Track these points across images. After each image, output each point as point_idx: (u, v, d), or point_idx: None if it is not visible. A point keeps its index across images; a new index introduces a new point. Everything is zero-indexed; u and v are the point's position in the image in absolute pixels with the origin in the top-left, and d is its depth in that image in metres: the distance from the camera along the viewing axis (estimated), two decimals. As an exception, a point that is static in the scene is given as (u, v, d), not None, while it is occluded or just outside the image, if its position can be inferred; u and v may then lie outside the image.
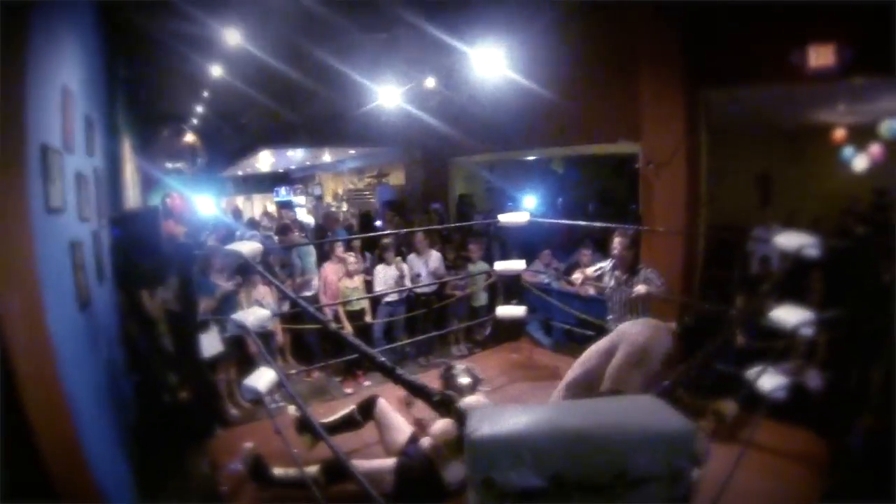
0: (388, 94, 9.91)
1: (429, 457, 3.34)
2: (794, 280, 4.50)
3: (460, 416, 1.95)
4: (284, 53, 8.37)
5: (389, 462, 3.37)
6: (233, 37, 7.45)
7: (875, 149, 9.48)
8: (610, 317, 5.55)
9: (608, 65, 8.21)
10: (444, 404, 2.17)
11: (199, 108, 12.09)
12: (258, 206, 19.78)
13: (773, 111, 9.18)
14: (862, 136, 9.69)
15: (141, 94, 9.82)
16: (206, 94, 11.02)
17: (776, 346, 3.59)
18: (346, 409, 3.83)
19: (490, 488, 1.61)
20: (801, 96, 8.05)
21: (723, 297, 7.12)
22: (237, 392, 6.35)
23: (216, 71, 9.11)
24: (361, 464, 3.31)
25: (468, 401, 3.34)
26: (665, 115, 7.43)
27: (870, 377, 5.08)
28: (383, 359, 2.47)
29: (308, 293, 7.54)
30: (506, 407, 2.53)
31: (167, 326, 5.62)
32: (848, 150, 9.93)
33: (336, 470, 3.14)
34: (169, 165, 11.50)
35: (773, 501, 3.31)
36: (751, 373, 3.68)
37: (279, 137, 13.06)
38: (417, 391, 2.30)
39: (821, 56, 6.56)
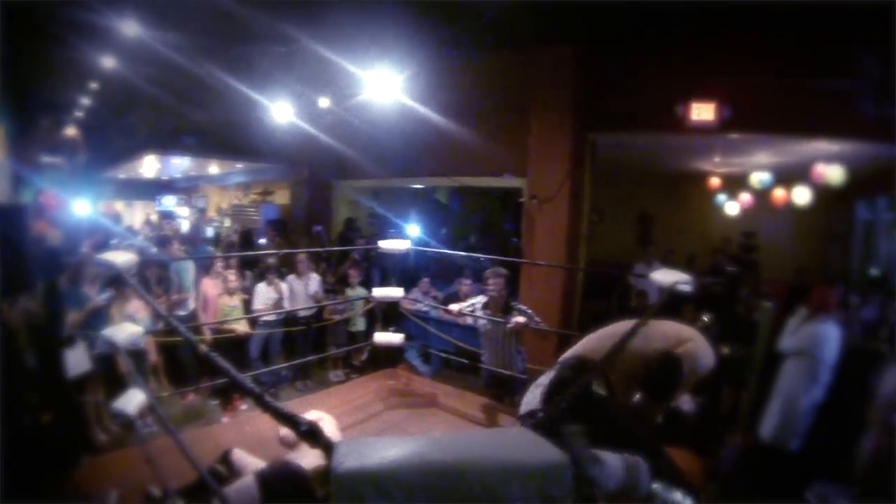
0: (281, 110, 9.71)
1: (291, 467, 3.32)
2: (669, 313, 4.80)
3: (327, 448, 1.93)
4: (183, 54, 8.03)
5: (249, 478, 3.28)
6: (131, 28, 7.14)
7: (745, 197, 10.21)
8: (483, 356, 5.61)
9: (501, 101, 8.47)
10: (312, 434, 2.08)
11: (85, 101, 11.20)
12: (139, 213, 18.97)
13: (655, 156, 9.71)
14: (735, 184, 10.41)
15: (19, 78, 9.06)
16: (94, 85, 10.39)
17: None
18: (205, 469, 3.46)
19: None
20: (682, 145, 8.59)
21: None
22: (105, 415, 5.95)
23: (108, 62, 8.67)
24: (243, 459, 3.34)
25: (310, 415, 3.37)
26: (552, 154, 7.77)
27: (738, 400, 5.60)
28: (251, 385, 2.42)
29: (183, 312, 7.32)
30: (374, 440, 2.49)
31: (28, 339, 5.03)
32: (721, 197, 10.63)
33: (196, 491, 3.05)
34: (45, 159, 10.73)
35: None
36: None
37: (167, 142, 12.42)
38: (284, 419, 2.23)
39: (702, 112, 7.26)
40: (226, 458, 3.55)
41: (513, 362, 5.37)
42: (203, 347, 3.67)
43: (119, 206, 18.51)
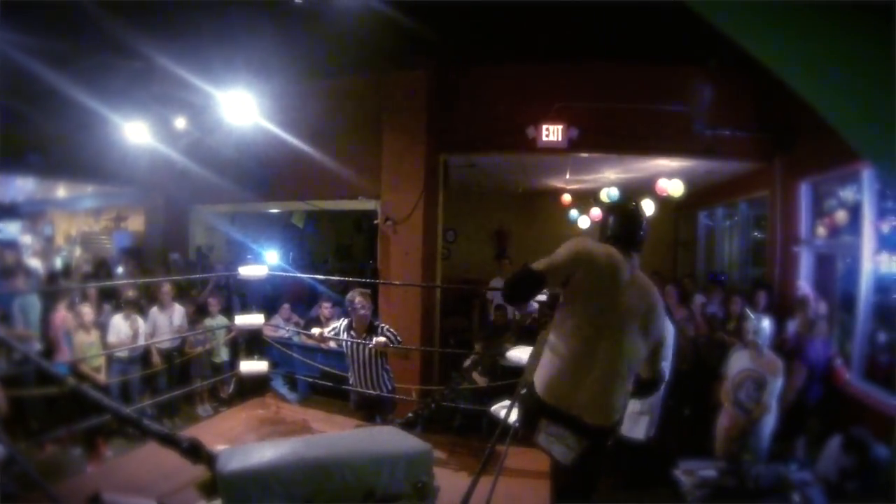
0: (135, 130, 9.36)
1: None
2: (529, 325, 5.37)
3: (209, 458, 2.17)
4: (30, 58, 7.61)
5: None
6: None
7: (596, 212, 11.07)
8: (350, 378, 5.84)
9: (356, 124, 8.78)
10: (193, 450, 2.24)
11: None
12: None
13: (509, 175, 10.37)
14: (586, 200, 11.30)
15: None
16: None
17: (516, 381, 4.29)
18: None
19: None
20: (535, 164, 9.26)
21: (462, 344, 7.96)
22: None
23: None
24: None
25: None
26: (405, 176, 8.20)
27: None
28: (126, 411, 2.52)
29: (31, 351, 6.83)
30: (253, 445, 2.65)
31: None
32: (574, 212, 11.45)
33: None
34: None
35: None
36: (495, 408, 4.43)
37: (10, 160, 11.34)
38: (165, 440, 2.36)
39: (551, 134, 7.96)
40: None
41: (380, 382, 5.66)
42: (71, 381, 3.62)
43: (-50, 232, 17.28)
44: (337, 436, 2.92)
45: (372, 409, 5.78)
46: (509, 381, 4.87)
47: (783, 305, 7.29)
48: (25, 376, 6.76)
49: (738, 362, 5.58)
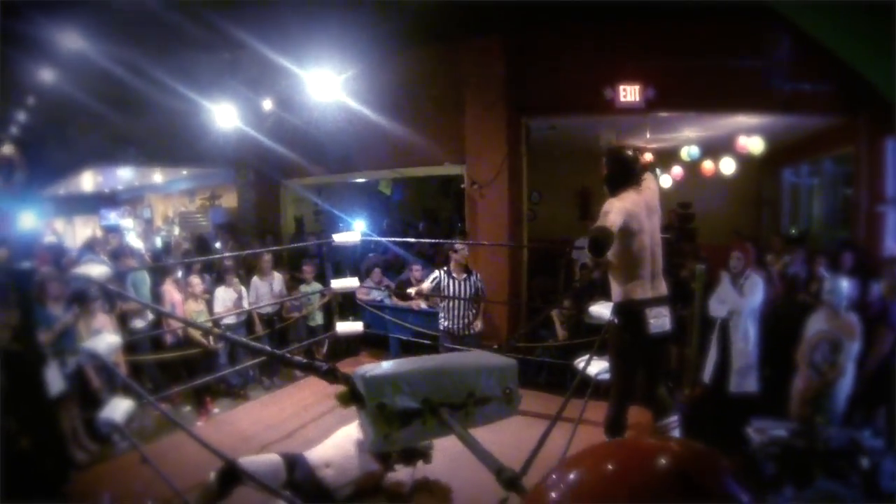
0: (224, 114, 9.99)
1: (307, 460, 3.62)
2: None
3: (347, 378, 2.54)
4: (122, 63, 8.27)
5: (275, 456, 3.58)
6: (71, 40, 7.38)
7: (677, 170, 11.04)
8: (443, 321, 6.78)
9: (436, 93, 8.98)
10: (332, 372, 2.63)
11: (21, 117, 11.32)
12: (80, 229, 18.71)
13: (590, 136, 10.41)
14: (666, 159, 11.21)
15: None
16: (30, 100, 10.49)
17: (597, 338, 4.43)
18: (204, 493, 3.43)
19: (381, 410, 2.17)
20: (615, 124, 9.30)
21: (549, 301, 8.16)
22: (81, 433, 6.11)
23: (47, 76, 8.79)
24: (251, 459, 3.50)
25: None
26: (488, 140, 8.36)
27: (682, 357, 6.36)
28: (269, 348, 2.85)
29: (142, 323, 7.53)
30: (380, 362, 3.18)
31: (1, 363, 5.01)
32: (655, 171, 11.38)
33: (229, 473, 3.25)
34: None
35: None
36: (578, 361, 4.75)
37: (109, 154, 12.55)
38: (306, 368, 2.72)
39: (629, 94, 7.94)
40: (229, 475, 3.45)
41: (471, 325, 6.71)
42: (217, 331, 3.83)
43: (59, 223, 18.31)
44: (447, 355, 3.35)
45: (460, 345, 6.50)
46: (592, 337, 5.00)
47: (868, 267, 6.99)
48: (141, 344, 7.33)
49: (815, 324, 5.49)
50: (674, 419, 4.37)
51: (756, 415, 5.38)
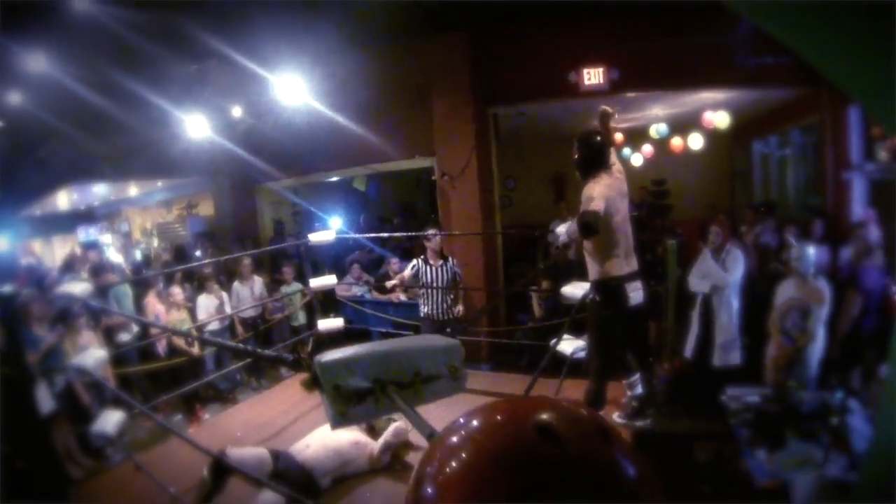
0: (195, 124, 10.03)
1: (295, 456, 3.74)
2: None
3: (308, 365, 2.75)
4: (91, 80, 8.36)
5: (262, 450, 3.71)
6: (37, 62, 7.48)
7: (647, 148, 11.21)
8: (423, 308, 6.95)
9: (404, 88, 9.10)
10: (297, 362, 2.88)
11: None
12: (59, 248, 18.68)
13: (559, 121, 10.54)
14: (637, 137, 11.38)
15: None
16: (0, 123, 10.47)
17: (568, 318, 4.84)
18: (201, 488, 3.56)
19: (337, 391, 2.50)
20: (583, 107, 9.42)
21: (528, 284, 8.30)
22: (75, 449, 6.14)
23: (14, 98, 8.87)
24: (238, 452, 3.59)
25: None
26: (456, 132, 8.50)
27: (660, 331, 6.58)
28: (244, 346, 3.06)
29: (127, 336, 7.61)
30: (339, 348, 3.46)
31: None
32: (626, 150, 11.58)
33: (220, 466, 3.38)
34: None
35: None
36: (554, 342, 4.83)
37: (82, 172, 12.46)
38: (274, 360, 2.95)
39: (592, 77, 8.08)
40: (220, 467, 3.56)
41: (451, 308, 6.94)
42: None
43: (37, 244, 18.28)
44: (399, 339, 3.57)
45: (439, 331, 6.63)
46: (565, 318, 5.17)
47: (838, 233, 7.16)
48: (128, 357, 7.37)
49: (785, 291, 5.60)
50: (635, 377, 4.56)
51: (735, 383, 5.44)
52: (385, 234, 8.85)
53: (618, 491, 0.66)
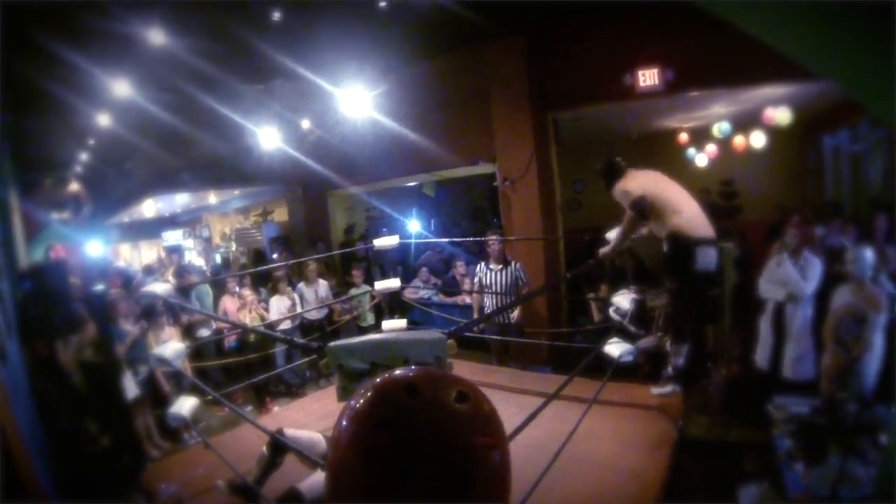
0: (267, 136, 10.69)
1: None
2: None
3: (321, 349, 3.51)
4: (169, 101, 9.02)
5: (318, 435, 3.96)
6: (121, 88, 8.14)
7: (711, 148, 11.18)
8: (487, 310, 7.32)
9: (464, 95, 9.36)
10: (320, 349, 3.66)
11: (84, 156, 12.17)
12: (145, 252, 19.76)
13: (622, 122, 10.61)
14: (699, 137, 11.35)
15: (24, 142, 9.84)
16: (91, 141, 11.33)
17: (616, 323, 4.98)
18: (260, 462, 3.95)
19: (341, 370, 3.23)
20: (644, 108, 9.48)
21: (592, 288, 8.42)
22: (154, 432, 6.83)
23: (103, 119, 9.57)
24: (294, 432, 3.93)
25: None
26: (516, 137, 8.69)
27: (718, 337, 6.22)
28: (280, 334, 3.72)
29: (206, 332, 8.18)
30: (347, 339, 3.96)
31: (82, 375, 5.72)
32: (690, 151, 11.56)
33: (277, 443, 3.77)
34: (53, 216, 11.45)
35: (633, 443, 4.45)
36: (601, 344, 4.90)
37: (165, 183, 13.37)
38: (298, 346, 4.68)
39: (647, 78, 8.08)
40: (276, 444, 3.88)
41: (510, 311, 7.15)
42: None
43: (125, 248, 19.41)
44: (396, 333, 4.39)
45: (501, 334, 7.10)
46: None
47: None
48: (206, 350, 8.08)
49: (841, 297, 5.25)
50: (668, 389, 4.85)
51: (794, 393, 5.32)
52: (445, 240, 9.15)
53: (453, 432, 0.90)
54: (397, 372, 1.00)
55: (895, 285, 5.34)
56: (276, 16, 7.63)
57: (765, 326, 6.04)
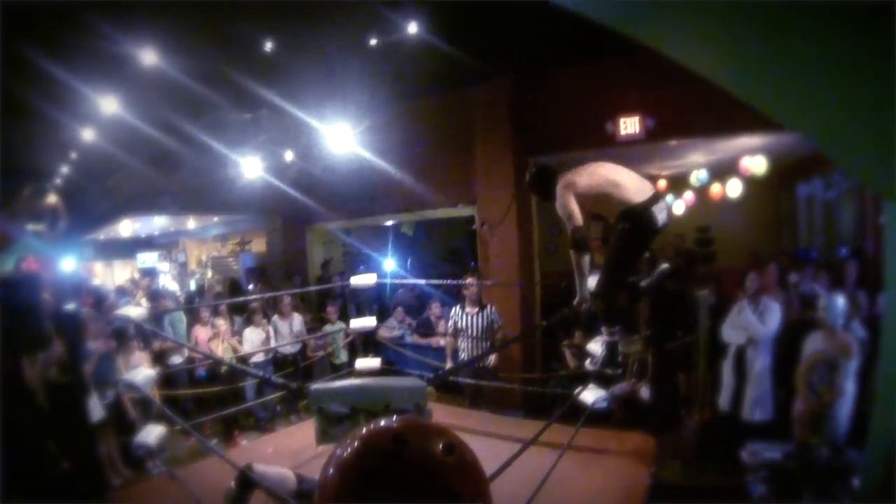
0: (250, 166, 10.66)
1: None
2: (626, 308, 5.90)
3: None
4: (156, 123, 9.02)
5: (287, 471, 3.98)
6: (109, 104, 8.11)
7: (688, 195, 11.35)
8: (461, 354, 7.25)
9: (447, 137, 9.50)
10: (301, 389, 3.78)
11: (65, 169, 12.09)
12: (119, 272, 19.52)
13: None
14: (677, 185, 11.54)
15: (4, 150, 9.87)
16: (74, 155, 11.23)
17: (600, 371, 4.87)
18: (227, 497, 3.52)
19: (321, 413, 3.24)
20: (623, 154, 9.60)
21: (567, 334, 8.45)
22: (117, 459, 6.73)
23: (88, 134, 9.52)
24: (264, 467, 3.94)
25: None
26: (497, 181, 8.79)
27: (691, 383, 6.43)
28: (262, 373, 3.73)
29: (178, 360, 8.12)
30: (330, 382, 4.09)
31: (46, 394, 5.79)
32: (668, 198, 11.71)
33: (246, 478, 3.40)
34: (28, 227, 11.20)
35: (606, 489, 4.34)
36: (577, 390, 4.87)
37: (145, 204, 13.22)
38: (281, 387, 4.59)
39: (628, 126, 8.28)
40: (245, 480, 3.64)
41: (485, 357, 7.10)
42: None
43: (98, 267, 19.15)
44: (376, 378, 4.36)
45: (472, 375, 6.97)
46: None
47: (876, 278, 6.97)
48: (176, 378, 8.00)
49: (812, 344, 5.46)
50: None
51: (765, 438, 5.42)
52: (422, 281, 9.17)
53: (440, 484, 0.92)
54: (383, 422, 1.02)
55: (866, 331, 5.47)
56: (269, 47, 7.72)
57: (727, 370, 6.31)
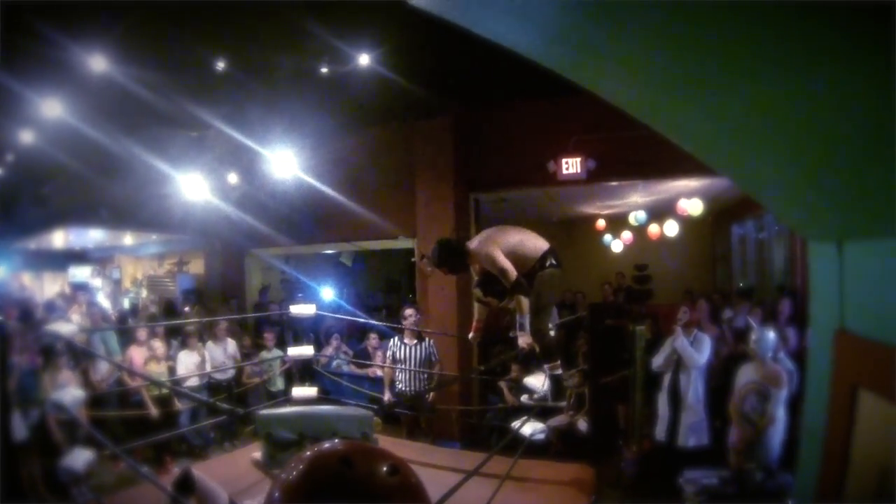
0: (193, 185, 10.54)
1: None
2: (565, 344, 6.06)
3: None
4: (100, 131, 8.78)
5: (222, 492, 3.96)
6: (52, 108, 7.99)
7: (626, 235, 11.75)
8: (398, 384, 7.36)
9: (389, 170, 9.71)
10: (247, 416, 4.09)
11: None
12: (48, 284, 18.89)
13: (543, 206, 11.05)
14: (616, 225, 11.93)
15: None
16: (10, 157, 10.92)
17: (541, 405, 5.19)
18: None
19: (268, 439, 3.34)
20: (565, 194, 9.95)
21: (504, 370, 8.61)
22: (40, 485, 6.29)
23: (26, 136, 9.31)
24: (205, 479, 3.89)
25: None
26: (437, 215, 9.00)
27: (628, 414, 6.47)
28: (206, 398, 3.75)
29: (108, 380, 7.99)
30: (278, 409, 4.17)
31: None
32: (607, 237, 12.13)
33: (188, 482, 3.56)
34: None
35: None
36: (515, 423, 5.19)
37: (82, 215, 12.90)
38: (228, 413, 4.14)
39: (570, 166, 8.55)
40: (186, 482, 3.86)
41: (423, 386, 7.30)
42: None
43: (26, 277, 18.51)
44: (325, 406, 4.51)
45: (412, 408, 7.32)
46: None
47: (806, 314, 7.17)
48: (105, 401, 7.79)
49: (744, 375, 5.78)
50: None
51: (703, 466, 5.64)
52: (361, 319, 9.30)
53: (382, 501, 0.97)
54: (327, 445, 1.06)
55: (794, 363, 5.76)
56: (220, 66, 7.78)
57: (662, 401, 6.64)
